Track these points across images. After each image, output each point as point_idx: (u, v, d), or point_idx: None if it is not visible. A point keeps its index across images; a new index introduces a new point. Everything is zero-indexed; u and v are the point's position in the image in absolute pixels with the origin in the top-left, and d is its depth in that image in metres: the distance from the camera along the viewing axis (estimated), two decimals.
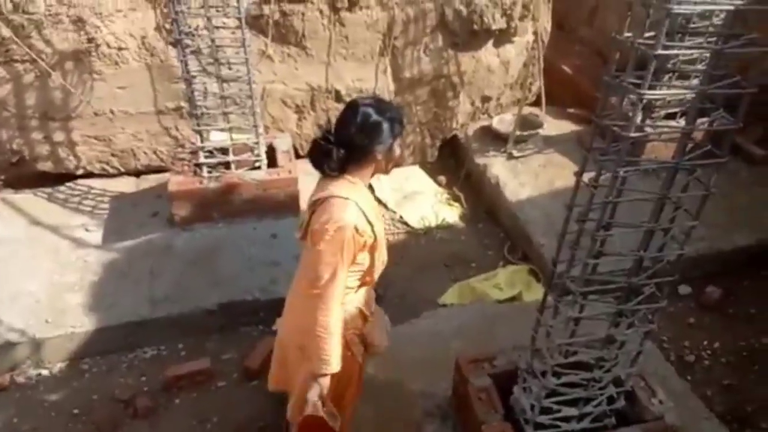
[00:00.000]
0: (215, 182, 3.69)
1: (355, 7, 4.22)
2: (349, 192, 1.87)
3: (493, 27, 4.65)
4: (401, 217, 4.62)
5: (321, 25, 4.21)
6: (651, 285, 2.00)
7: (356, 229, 1.84)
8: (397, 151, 1.97)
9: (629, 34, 1.63)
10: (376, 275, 2.12)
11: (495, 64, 4.99)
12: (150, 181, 4.40)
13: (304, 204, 3.90)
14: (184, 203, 3.66)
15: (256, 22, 4.08)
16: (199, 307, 3.40)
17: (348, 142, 1.85)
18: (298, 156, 4.57)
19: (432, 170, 5.16)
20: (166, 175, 4.01)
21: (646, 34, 1.58)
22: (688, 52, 1.55)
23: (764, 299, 3.98)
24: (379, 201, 4.80)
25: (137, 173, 4.48)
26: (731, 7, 1.45)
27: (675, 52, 1.55)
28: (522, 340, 2.32)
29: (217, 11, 3.48)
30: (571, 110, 5.43)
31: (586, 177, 1.83)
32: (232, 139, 3.74)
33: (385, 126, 1.87)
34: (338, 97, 4.50)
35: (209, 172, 3.73)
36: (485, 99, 5.19)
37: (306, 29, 4.18)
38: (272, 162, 3.92)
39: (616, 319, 2.07)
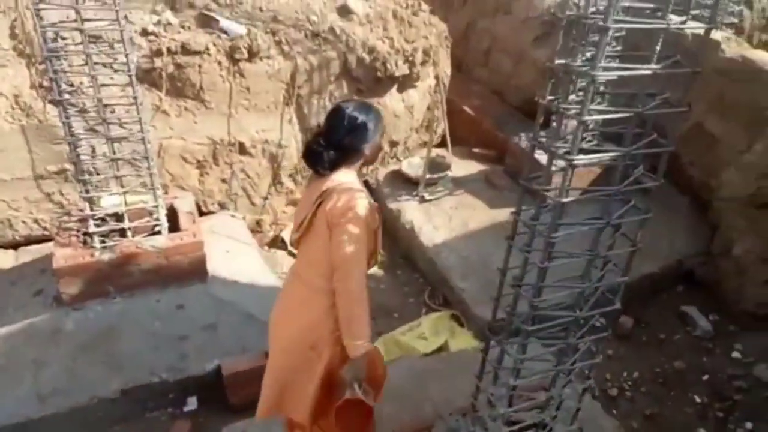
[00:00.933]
0: (109, 253, 3.32)
1: (255, 58, 4.07)
2: (352, 182, 2.05)
3: (397, 73, 4.67)
4: None
5: (220, 77, 4.00)
6: (595, 316, 1.96)
7: (371, 210, 2.02)
8: (381, 143, 2.28)
9: (552, 97, 1.61)
10: (373, 262, 2.20)
11: (400, 109, 5.01)
12: (31, 253, 3.91)
13: (212, 268, 3.65)
14: (73, 279, 3.24)
15: (147, 76, 3.80)
16: (97, 396, 3.00)
17: (339, 145, 2.02)
18: (202, 213, 4.28)
19: None
20: (50, 245, 3.57)
21: (571, 97, 1.56)
22: (614, 115, 1.53)
23: (669, 323, 4.19)
24: (293, 254, 4.60)
25: (15, 245, 3.97)
26: (649, 72, 1.45)
27: (600, 117, 1.54)
28: (455, 397, 2.22)
29: (104, 66, 3.19)
30: (476, 150, 5.55)
31: (525, 214, 1.77)
32: (126, 204, 3.40)
33: (371, 125, 2.06)
34: (242, 149, 4.29)
35: (102, 241, 3.36)
36: (393, 144, 5.18)
37: (204, 81, 3.96)
38: (174, 225, 3.61)
39: (561, 358, 2.00)
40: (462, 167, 5.28)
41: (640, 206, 1.78)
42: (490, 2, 6.50)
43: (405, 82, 4.92)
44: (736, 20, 6.14)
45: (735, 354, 3.92)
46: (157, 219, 3.49)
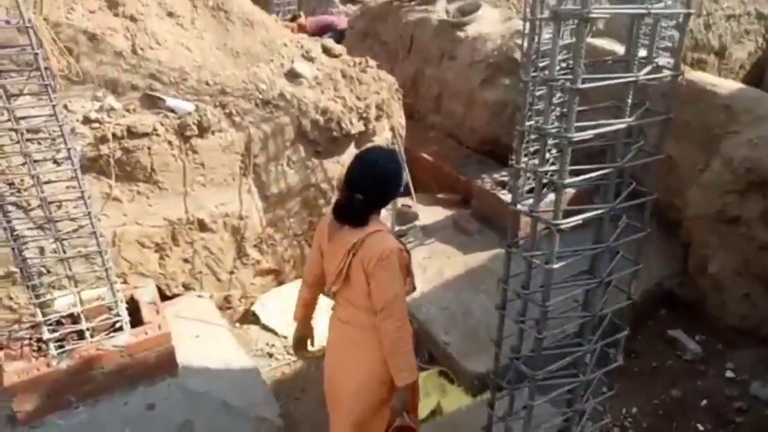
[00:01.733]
0: (67, 359, 3.06)
1: (207, 133, 3.95)
2: (378, 226, 2.17)
3: (353, 131, 4.62)
4: None
5: (171, 156, 3.86)
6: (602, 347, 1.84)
7: (400, 251, 2.15)
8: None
9: (534, 163, 1.53)
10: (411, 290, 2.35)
11: None
12: None
13: (182, 358, 3.41)
14: (28, 395, 2.96)
15: (95, 164, 3.63)
16: None
17: (380, 199, 2.17)
18: (166, 297, 4.06)
19: None
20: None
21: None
22: (594, 173, 1.46)
23: (659, 350, 4.13)
24: (267, 328, 4.38)
25: None
26: (624, 125, 1.40)
27: (580, 178, 1.47)
28: None
29: (47, 161, 3.02)
30: (441, 195, 5.52)
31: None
32: (82, 302, 3.17)
33: (401, 171, 2.20)
34: (202, 226, 4.11)
35: (58, 347, 3.10)
36: None
37: (155, 163, 3.80)
38: (136, 318, 3.38)
39: (575, 398, 1.87)
40: (429, 214, 5.22)
41: (636, 223, 1.73)
42: (433, 50, 6.61)
43: (362, 139, 4.87)
44: (670, 44, 6.38)
45: (729, 373, 3.86)
46: (118, 315, 3.26)
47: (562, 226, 1.46)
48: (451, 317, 4.11)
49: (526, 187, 3.65)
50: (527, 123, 1.38)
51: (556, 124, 1.47)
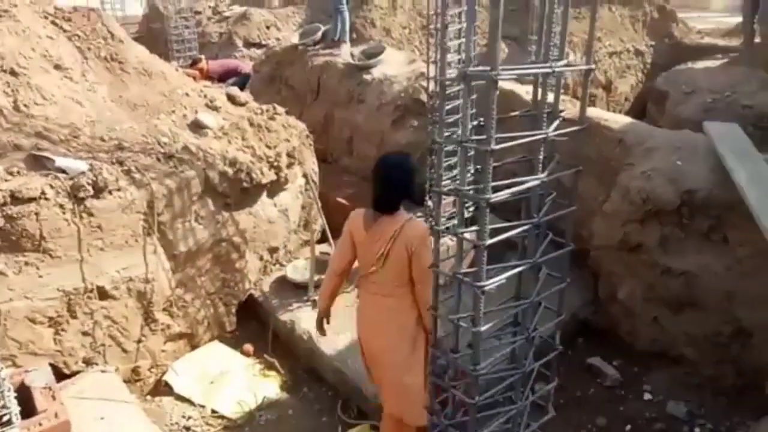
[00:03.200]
0: None
1: (103, 193, 3.67)
2: (409, 215, 2.77)
3: (264, 181, 4.48)
4: (213, 410, 3.93)
5: (64, 221, 3.53)
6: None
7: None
8: None
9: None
10: None
11: (274, 214, 4.79)
12: None
13: None
14: None
15: None
16: None
17: (406, 191, 2.75)
18: (64, 376, 3.65)
19: (234, 341, 4.59)
20: None
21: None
22: (515, 231, 1.44)
23: (581, 379, 4.22)
24: (181, 398, 4.06)
25: None
26: (541, 192, 1.39)
27: (500, 237, 1.44)
28: None
29: None
30: None
31: None
32: None
33: (416, 165, 2.83)
34: (103, 294, 3.76)
35: None
36: (273, 250, 4.92)
37: (44, 229, 3.46)
38: (29, 407, 2.99)
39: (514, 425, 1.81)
40: None
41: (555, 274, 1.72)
42: (342, 93, 6.64)
43: (274, 187, 4.74)
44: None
45: (647, 396, 4.02)
46: (5, 407, 2.87)
47: (487, 288, 1.42)
48: None
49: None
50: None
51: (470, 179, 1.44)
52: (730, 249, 3.84)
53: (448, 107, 2.81)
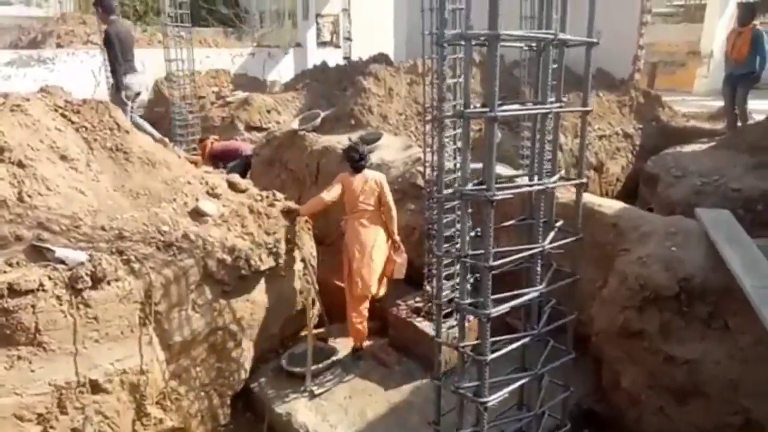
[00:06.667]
0: None
1: (102, 283, 3.66)
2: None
3: (262, 267, 4.49)
4: None
5: (60, 313, 3.50)
6: None
7: None
8: None
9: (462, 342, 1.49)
10: None
11: (271, 300, 4.76)
12: None
13: None
14: None
15: None
16: None
17: (362, 160, 4.97)
18: None
19: None
20: None
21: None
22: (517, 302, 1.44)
23: None
24: None
25: None
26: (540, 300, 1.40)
27: (504, 351, 1.43)
28: None
29: None
30: None
31: None
32: None
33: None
34: (95, 387, 3.67)
35: None
36: (269, 337, 4.84)
37: (40, 322, 3.43)
38: None
39: None
40: (347, 347, 5.04)
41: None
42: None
43: (272, 273, 4.73)
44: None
45: None
46: None
47: (490, 404, 1.40)
48: None
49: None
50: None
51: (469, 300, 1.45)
52: (732, 336, 3.81)
53: (446, 220, 2.84)
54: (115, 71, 6.88)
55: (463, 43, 1.54)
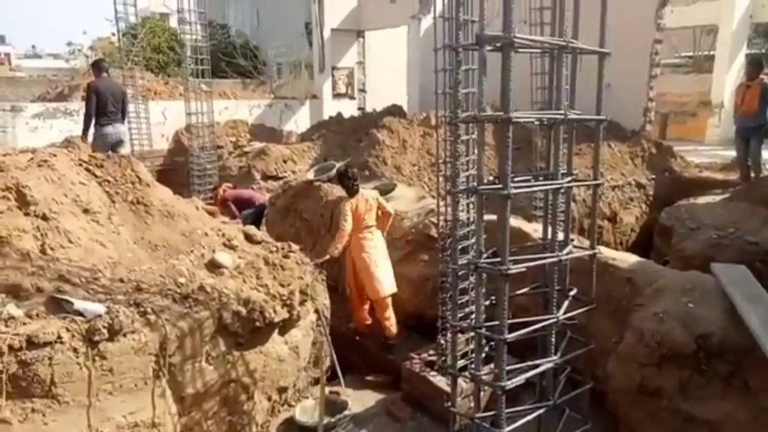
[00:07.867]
0: None
1: (118, 335, 3.69)
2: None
3: (276, 319, 4.50)
4: None
5: (76, 365, 3.52)
6: None
7: None
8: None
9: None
10: None
11: (285, 352, 4.75)
12: None
13: None
14: None
15: None
16: None
17: (355, 181, 5.69)
18: None
19: None
20: None
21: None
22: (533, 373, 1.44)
23: None
24: None
25: None
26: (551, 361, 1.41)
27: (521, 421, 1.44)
28: None
29: None
30: (370, 378, 5.35)
31: None
32: None
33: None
34: None
35: None
36: (282, 390, 4.81)
37: (56, 374, 3.45)
38: None
39: None
40: (359, 401, 4.99)
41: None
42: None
43: (286, 325, 4.74)
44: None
45: None
46: None
47: None
48: None
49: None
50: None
51: (487, 369, 1.47)
52: (753, 396, 3.73)
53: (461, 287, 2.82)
54: (86, 119, 7.59)
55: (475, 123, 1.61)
